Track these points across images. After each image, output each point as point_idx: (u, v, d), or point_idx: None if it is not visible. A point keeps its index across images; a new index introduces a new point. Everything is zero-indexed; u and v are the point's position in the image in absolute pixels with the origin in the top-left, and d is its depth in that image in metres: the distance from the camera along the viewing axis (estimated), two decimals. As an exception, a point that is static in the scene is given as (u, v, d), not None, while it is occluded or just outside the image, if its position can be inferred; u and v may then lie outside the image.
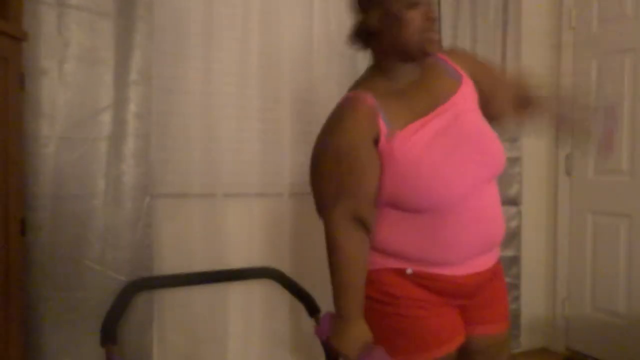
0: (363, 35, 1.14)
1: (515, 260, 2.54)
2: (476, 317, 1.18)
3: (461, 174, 1.05)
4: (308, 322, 1.98)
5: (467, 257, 1.09)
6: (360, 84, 1.16)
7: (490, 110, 1.21)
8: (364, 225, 1.07)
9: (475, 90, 1.17)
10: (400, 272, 1.09)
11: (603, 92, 1.24)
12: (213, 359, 1.90)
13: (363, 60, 2.13)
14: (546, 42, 2.75)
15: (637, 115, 2.34)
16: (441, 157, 1.04)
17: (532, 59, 2.66)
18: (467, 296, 1.14)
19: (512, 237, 2.53)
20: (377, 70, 1.15)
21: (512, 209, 2.53)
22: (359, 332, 1.06)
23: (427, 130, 1.06)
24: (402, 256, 1.09)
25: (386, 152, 1.05)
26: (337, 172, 1.06)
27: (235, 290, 1.97)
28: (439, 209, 1.05)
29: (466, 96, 1.15)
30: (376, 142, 1.05)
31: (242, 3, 1.94)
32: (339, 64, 2.12)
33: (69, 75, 1.62)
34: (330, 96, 2.04)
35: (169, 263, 1.85)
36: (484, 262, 1.13)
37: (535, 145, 2.72)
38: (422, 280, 1.09)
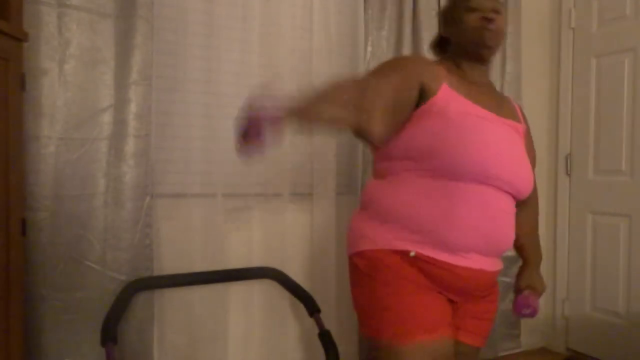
0: (438, 42, 1.33)
1: (515, 261, 2.53)
2: (464, 323, 1.21)
3: (494, 160, 1.09)
4: (308, 322, 1.98)
5: (470, 249, 1.10)
6: (437, 60, 1.27)
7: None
8: (368, 110, 1.04)
9: (531, 137, 1.32)
10: (403, 254, 1.10)
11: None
12: (213, 359, 1.90)
13: (363, 60, 2.15)
14: (546, 42, 2.76)
15: (637, 115, 2.35)
16: (481, 135, 1.09)
17: (532, 59, 2.67)
18: (461, 290, 1.15)
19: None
20: (451, 60, 1.25)
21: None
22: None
23: (479, 116, 1.13)
24: (413, 226, 1.09)
25: (441, 102, 1.11)
26: (378, 70, 1.15)
27: (235, 290, 1.97)
28: (457, 180, 1.07)
29: (521, 133, 1.26)
30: (425, 93, 1.12)
31: (242, 3, 1.94)
32: (338, 64, 2.13)
33: (69, 75, 1.62)
34: (330, 96, 2.05)
35: (169, 263, 1.85)
36: (485, 263, 1.14)
37: (535, 145, 2.72)
38: (422, 264, 1.09)
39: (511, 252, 2.50)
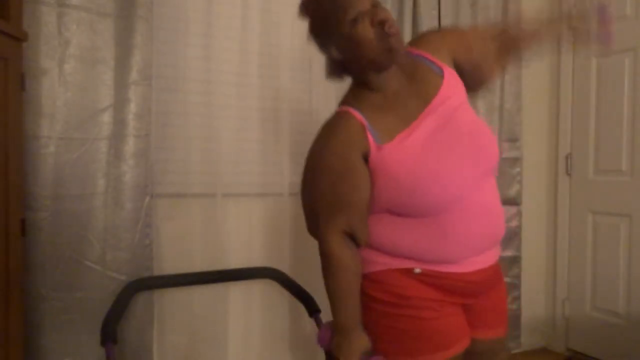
0: (335, 69, 1.16)
1: (515, 260, 2.54)
2: (479, 320, 1.19)
3: (458, 173, 1.04)
4: (308, 322, 1.98)
5: (473, 254, 1.09)
6: (347, 100, 1.15)
7: (479, 78, 1.22)
8: (355, 240, 1.10)
9: (458, 77, 1.16)
10: (407, 272, 1.09)
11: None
12: (213, 359, 1.90)
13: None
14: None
15: (637, 115, 2.34)
16: (436, 159, 1.04)
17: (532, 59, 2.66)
18: (474, 293, 1.14)
19: (512, 237, 2.53)
20: (361, 85, 1.14)
21: (512, 209, 2.52)
22: (359, 343, 1.09)
23: (418, 134, 1.06)
24: (409, 256, 1.09)
25: (378, 165, 1.06)
26: (329, 188, 1.08)
27: (235, 290, 1.97)
28: (439, 210, 1.05)
29: (452, 88, 1.13)
30: (366, 157, 1.07)
31: (242, 3, 1.94)
32: (339, 64, 2.12)
33: (69, 75, 1.62)
34: (329, 96, 2.05)
35: (169, 263, 1.85)
36: (488, 259, 1.14)
37: (535, 145, 2.72)
38: (430, 279, 1.09)
39: (511, 252, 2.51)
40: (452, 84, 1.14)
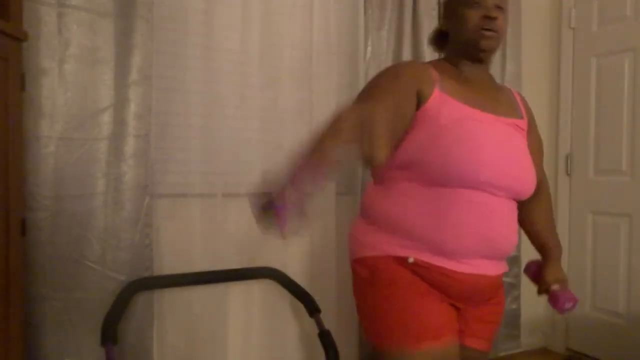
0: (437, 37, 1.27)
1: (515, 260, 2.54)
2: (469, 327, 1.20)
3: (488, 165, 1.06)
4: (308, 322, 1.98)
5: (465, 253, 1.08)
6: (430, 62, 1.22)
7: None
8: (369, 130, 0.97)
9: (527, 135, 1.24)
10: (401, 261, 1.09)
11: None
12: (213, 359, 1.90)
13: (363, 60, 2.15)
14: (546, 42, 2.76)
15: (637, 115, 2.34)
16: (474, 141, 1.06)
17: (532, 59, 2.67)
18: (463, 296, 1.13)
19: (512, 237, 2.53)
20: (448, 59, 1.22)
21: (512, 209, 2.53)
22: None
23: (474, 119, 1.10)
24: (408, 234, 1.09)
25: (432, 111, 1.08)
26: (375, 86, 1.11)
27: (235, 290, 1.97)
28: (451, 187, 1.05)
29: (521, 129, 1.21)
30: (420, 100, 1.09)
31: (242, 3, 1.94)
32: (338, 64, 2.13)
33: (69, 75, 1.62)
34: (330, 96, 2.05)
35: (169, 263, 1.85)
36: (487, 268, 1.13)
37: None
38: (421, 270, 1.09)
39: (513, 252, 2.51)
40: (524, 126, 1.23)
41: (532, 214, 1.32)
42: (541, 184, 1.30)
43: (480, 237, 1.08)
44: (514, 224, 1.17)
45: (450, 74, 1.16)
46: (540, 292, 1.36)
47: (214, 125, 1.90)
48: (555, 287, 1.31)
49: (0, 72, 1.30)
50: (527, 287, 2.63)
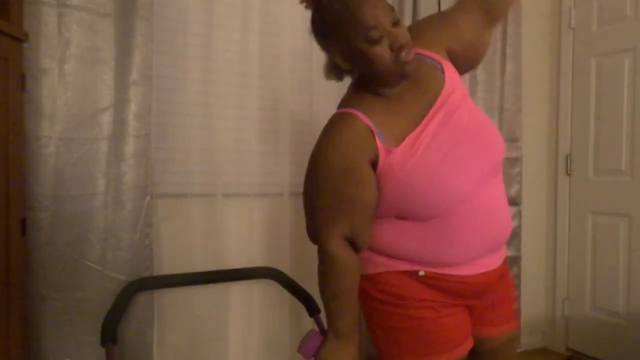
0: (335, 71, 1.12)
1: (515, 260, 2.54)
2: (485, 318, 1.18)
3: (465, 172, 1.03)
4: (308, 322, 1.98)
5: (476, 257, 1.08)
6: (349, 102, 1.12)
7: (474, 55, 1.21)
8: (356, 244, 1.08)
9: (454, 68, 1.14)
10: (410, 274, 1.09)
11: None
12: (213, 359, 1.90)
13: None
14: (546, 42, 2.75)
15: (637, 115, 2.34)
16: (440, 161, 1.02)
17: (532, 59, 2.67)
18: (476, 296, 1.13)
19: (512, 237, 2.53)
20: (364, 88, 1.11)
21: (512, 209, 2.52)
22: (353, 350, 1.08)
23: (425, 136, 1.04)
24: (412, 259, 1.08)
25: (388, 170, 1.03)
26: (331, 189, 1.04)
27: (235, 290, 1.97)
28: (444, 213, 1.04)
29: (454, 82, 1.11)
30: (374, 162, 1.04)
31: (242, 3, 1.94)
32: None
33: (69, 75, 1.62)
34: (329, 96, 2.05)
35: (169, 263, 1.85)
36: (492, 262, 1.12)
37: (535, 145, 2.72)
38: (433, 281, 1.08)
39: (511, 252, 2.51)
40: (453, 78, 1.12)
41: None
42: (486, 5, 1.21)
43: (484, 239, 1.08)
44: (506, 204, 1.14)
45: (376, 107, 1.07)
46: None
47: (214, 125, 1.90)
48: None
49: (0, 72, 1.30)
50: (527, 287, 2.64)
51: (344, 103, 1.14)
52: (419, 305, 1.08)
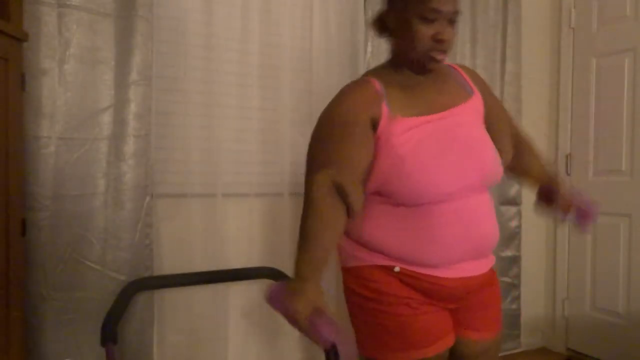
0: (381, 27, 1.18)
1: (515, 260, 2.54)
2: (467, 322, 1.19)
3: (449, 175, 1.05)
4: (308, 322, 1.98)
5: (453, 261, 1.09)
6: (372, 71, 1.19)
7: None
8: (343, 195, 1.05)
9: (482, 105, 1.19)
10: (387, 270, 1.10)
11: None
12: (213, 359, 1.90)
13: (363, 59, 2.15)
14: (546, 42, 2.75)
15: (637, 115, 2.34)
16: (430, 156, 1.05)
17: (532, 59, 2.67)
18: (452, 299, 1.14)
19: (512, 237, 2.53)
20: (391, 64, 1.17)
21: (512, 209, 2.53)
22: (313, 295, 1.00)
23: (425, 128, 1.07)
24: (387, 253, 1.10)
25: (384, 135, 1.06)
26: (329, 139, 1.08)
27: (235, 290, 1.97)
28: (424, 205, 1.05)
29: (473, 109, 1.17)
30: (375, 125, 1.07)
31: (242, 3, 1.94)
32: (338, 64, 2.13)
33: (69, 75, 1.62)
34: (330, 95, 2.05)
35: (169, 263, 1.85)
36: (473, 269, 1.13)
37: (535, 145, 2.72)
38: (408, 279, 1.09)
39: (511, 252, 2.51)
40: (475, 106, 1.18)
41: (523, 166, 1.33)
42: (518, 138, 1.30)
43: (463, 245, 1.09)
44: (493, 217, 1.16)
45: (395, 82, 1.12)
46: (564, 209, 1.37)
47: (214, 125, 1.90)
48: (575, 197, 1.33)
49: (0, 72, 1.30)
50: (527, 287, 2.64)
51: (367, 72, 1.21)
52: (394, 302, 1.09)
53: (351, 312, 1.18)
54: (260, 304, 2.02)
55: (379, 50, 2.14)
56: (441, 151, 1.06)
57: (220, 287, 1.90)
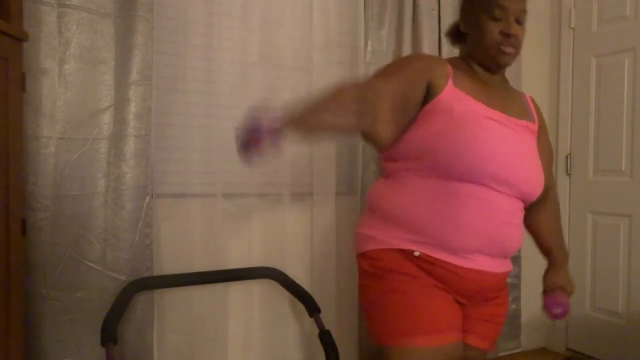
0: (454, 33, 1.27)
1: (515, 260, 2.54)
2: (472, 325, 1.19)
3: (500, 160, 1.07)
4: (308, 322, 1.98)
5: (470, 249, 1.08)
6: (446, 59, 1.22)
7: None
8: (370, 108, 1.01)
9: (536, 139, 1.23)
10: (406, 254, 1.09)
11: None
12: (213, 359, 1.90)
13: (363, 59, 2.15)
14: (546, 42, 2.76)
15: (637, 115, 2.35)
16: (490, 135, 1.07)
17: (532, 59, 2.67)
18: (467, 292, 1.13)
19: (512, 237, 2.53)
20: (463, 60, 1.21)
21: (512, 209, 2.53)
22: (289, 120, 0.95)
23: (488, 114, 1.10)
24: (413, 229, 1.08)
25: (446, 105, 1.08)
26: (384, 70, 1.12)
27: (235, 290, 1.97)
28: (456, 182, 1.05)
29: (532, 132, 1.21)
30: (433, 92, 1.09)
31: (242, 3, 1.94)
32: (338, 64, 2.13)
33: (69, 75, 1.62)
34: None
35: (169, 263, 1.85)
36: (490, 265, 1.12)
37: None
38: (426, 265, 1.08)
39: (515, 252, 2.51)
40: (534, 129, 1.22)
41: (538, 218, 1.32)
42: (549, 190, 1.30)
43: (485, 235, 1.08)
44: (520, 224, 1.16)
45: (465, 72, 1.17)
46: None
47: (214, 125, 1.90)
48: (555, 291, 1.28)
49: (1, 72, 1.30)
50: (527, 287, 2.64)
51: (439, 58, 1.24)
52: (407, 280, 1.08)
53: (361, 296, 1.17)
54: (260, 304, 2.02)
55: (379, 50, 2.14)
56: (496, 140, 1.08)
57: (220, 287, 1.90)
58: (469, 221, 1.06)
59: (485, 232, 1.08)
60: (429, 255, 1.08)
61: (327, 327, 1.79)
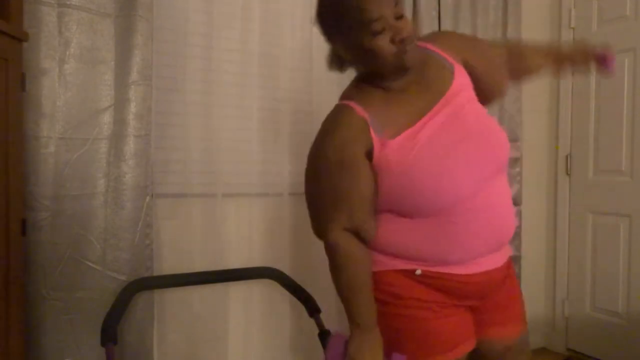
0: (338, 62, 1.13)
1: (515, 260, 2.54)
2: (489, 319, 1.15)
3: (467, 171, 1.01)
4: (308, 322, 1.98)
5: (477, 255, 1.07)
6: (349, 94, 1.13)
7: (491, 86, 1.19)
8: (362, 235, 1.07)
9: (468, 76, 1.14)
10: (408, 274, 1.08)
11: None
12: (213, 359, 1.90)
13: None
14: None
15: (637, 115, 2.35)
16: (445, 157, 1.01)
17: (532, 59, 2.67)
18: (478, 296, 1.11)
19: (512, 237, 2.52)
20: (364, 79, 1.12)
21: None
22: (379, 342, 1.06)
23: (426, 130, 1.03)
24: (410, 257, 1.07)
25: (383, 163, 1.03)
26: (329, 183, 1.06)
27: (235, 290, 1.97)
28: (445, 210, 1.02)
29: (462, 86, 1.11)
30: (370, 154, 1.04)
31: (242, 3, 1.94)
32: (339, 64, 2.12)
33: (69, 75, 1.62)
34: (330, 95, 2.05)
35: (169, 263, 1.85)
36: (494, 261, 1.11)
37: (535, 145, 2.72)
38: (431, 280, 1.07)
39: (511, 252, 2.51)
40: (462, 81, 1.12)
41: (531, 69, 1.31)
42: (511, 51, 1.26)
43: (487, 238, 1.06)
44: (510, 204, 1.12)
45: (376, 99, 1.07)
46: (585, 64, 1.40)
47: (214, 125, 1.90)
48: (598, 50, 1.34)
49: (1, 72, 1.30)
50: (527, 287, 2.64)
51: (344, 95, 1.14)
52: (416, 305, 1.07)
53: None
54: (261, 304, 2.02)
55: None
56: (449, 149, 1.02)
57: (220, 287, 1.90)
58: (467, 237, 1.04)
59: (485, 236, 1.06)
60: (431, 271, 1.07)
61: (327, 327, 1.78)
